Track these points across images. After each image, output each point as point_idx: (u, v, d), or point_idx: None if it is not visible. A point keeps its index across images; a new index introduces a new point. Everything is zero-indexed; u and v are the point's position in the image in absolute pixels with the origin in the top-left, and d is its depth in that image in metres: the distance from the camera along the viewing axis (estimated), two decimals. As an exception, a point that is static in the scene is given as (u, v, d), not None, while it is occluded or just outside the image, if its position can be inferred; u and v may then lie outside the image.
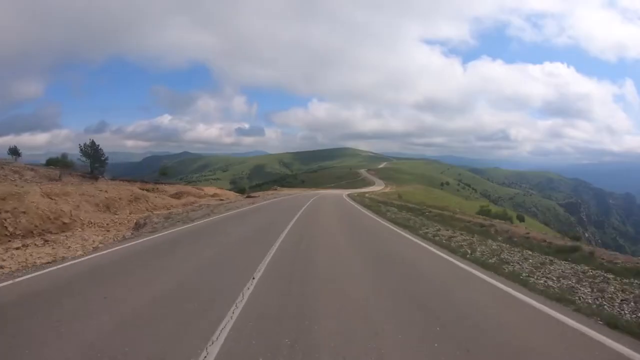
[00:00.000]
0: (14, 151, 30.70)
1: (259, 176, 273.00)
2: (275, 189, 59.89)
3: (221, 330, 3.77)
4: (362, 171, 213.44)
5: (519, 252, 8.27)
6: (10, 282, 5.44)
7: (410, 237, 10.92)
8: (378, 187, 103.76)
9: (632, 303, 4.83)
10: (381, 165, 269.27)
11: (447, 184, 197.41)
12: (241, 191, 57.19)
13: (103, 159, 33.19)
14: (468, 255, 7.81)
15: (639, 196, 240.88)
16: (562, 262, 7.22)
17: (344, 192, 58.36)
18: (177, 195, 28.68)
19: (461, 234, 11.36)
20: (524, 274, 6.21)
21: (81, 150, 32.32)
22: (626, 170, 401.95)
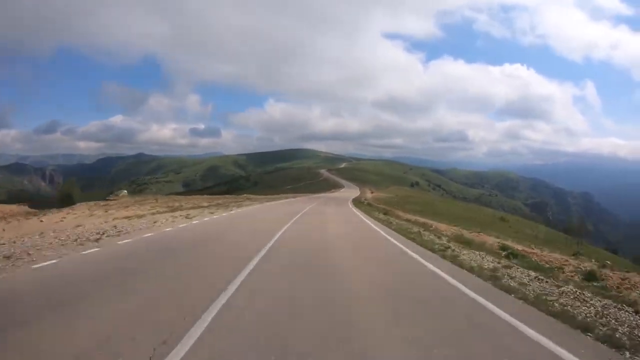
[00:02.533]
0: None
1: (213, 178, 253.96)
2: (157, 199, 25.67)
3: None
4: (323, 171, 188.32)
5: None
6: None
7: None
8: (353, 191, 74.85)
9: None
10: (341, 166, 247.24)
11: (417, 184, 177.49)
12: (67, 199, 25.79)
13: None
14: None
15: (596, 195, 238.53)
16: None
17: (340, 205, 29.59)
18: None
19: None
20: None
21: None
22: (579, 170, 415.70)
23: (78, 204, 24.58)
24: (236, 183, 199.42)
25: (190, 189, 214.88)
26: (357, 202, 33.25)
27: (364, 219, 16.76)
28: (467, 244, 9.82)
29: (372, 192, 70.28)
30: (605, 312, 4.29)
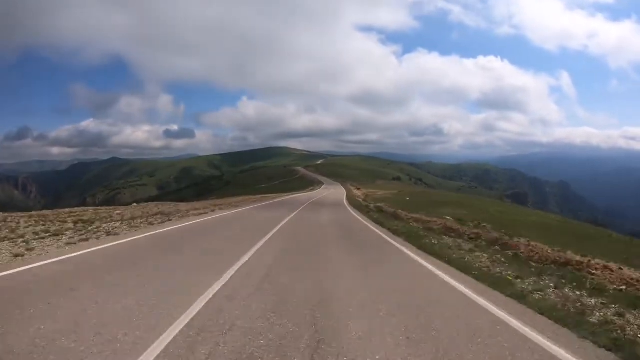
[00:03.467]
0: None
1: (188, 180, 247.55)
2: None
3: None
4: (299, 169, 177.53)
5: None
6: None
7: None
8: (337, 189, 61.61)
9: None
10: (318, 162, 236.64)
11: (399, 178, 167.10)
12: None
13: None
14: None
15: (572, 184, 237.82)
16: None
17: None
18: None
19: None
20: None
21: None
22: (554, 160, 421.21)
23: None
24: (208, 184, 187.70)
25: (165, 191, 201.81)
26: (361, 209, 19.72)
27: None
28: None
29: (358, 189, 57.09)
30: None
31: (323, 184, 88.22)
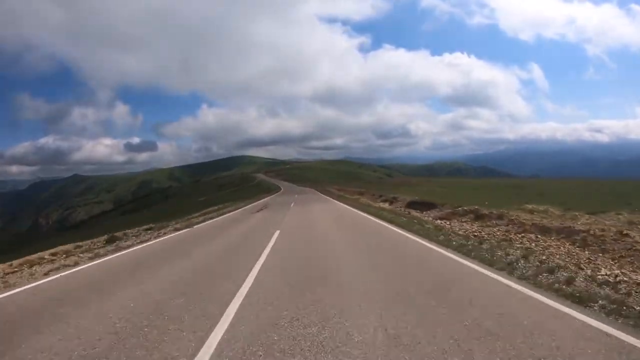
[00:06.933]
0: None
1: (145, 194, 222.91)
2: None
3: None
4: (259, 175, 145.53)
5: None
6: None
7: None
8: (311, 203, 28.58)
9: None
10: (287, 166, 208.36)
11: (380, 179, 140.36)
12: None
13: None
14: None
15: (542, 177, 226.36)
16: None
17: None
18: None
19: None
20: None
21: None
22: (521, 155, 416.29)
23: None
24: (151, 198, 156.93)
25: (119, 205, 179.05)
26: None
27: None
28: None
29: (391, 202, 24.11)
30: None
31: (280, 189, 55.37)
